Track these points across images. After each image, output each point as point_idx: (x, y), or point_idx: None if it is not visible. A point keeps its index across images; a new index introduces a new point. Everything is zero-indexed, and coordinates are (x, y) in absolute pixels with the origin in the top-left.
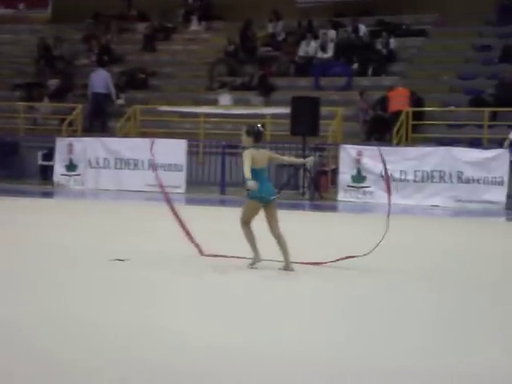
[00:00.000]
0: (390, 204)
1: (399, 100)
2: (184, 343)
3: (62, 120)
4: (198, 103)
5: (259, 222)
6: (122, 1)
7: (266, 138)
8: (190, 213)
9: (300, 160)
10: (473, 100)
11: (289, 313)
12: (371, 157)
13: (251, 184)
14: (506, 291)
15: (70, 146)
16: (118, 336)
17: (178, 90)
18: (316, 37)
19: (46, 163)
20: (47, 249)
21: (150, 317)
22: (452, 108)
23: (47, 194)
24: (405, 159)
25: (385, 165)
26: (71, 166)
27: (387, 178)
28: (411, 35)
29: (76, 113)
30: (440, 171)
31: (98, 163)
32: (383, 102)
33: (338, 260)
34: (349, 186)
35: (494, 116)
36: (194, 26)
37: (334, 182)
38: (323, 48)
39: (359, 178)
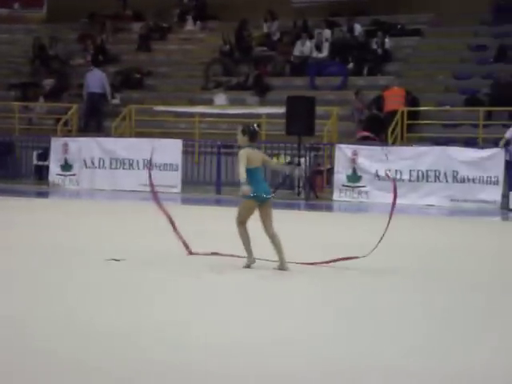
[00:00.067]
0: (393, 207)
1: (394, 100)
2: (182, 343)
3: (58, 120)
4: (193, 103)
5: (253, 222)
6: (117, 1)
7: (262, 137)
8: (185, 212)
9: (285, 168)
10: (468, 100)
11: (285, 312)
12: (366, 156)
13: (245, 189)
14: (500, 290)
15: (65, 145)
16: (115, 336)
17: (173, 89)
18: (311, 36)
19: (41, 163)
20: (43, 249)
21: (148, 316)
22: (447, 108)
23: (42, 194)
24: (400, 159)
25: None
26: (66, 166)
27: (394, 184)
28: (406, 35)
29: (71, 113)
30: (435, 171)
31: (93, 163)
32: (378, 102)
33: (335, 261)
34: (344, 185)
35: (489, 115)
36: (190, 25)
37: (330, 182)
38: (318, 48)
39: (354, 177)
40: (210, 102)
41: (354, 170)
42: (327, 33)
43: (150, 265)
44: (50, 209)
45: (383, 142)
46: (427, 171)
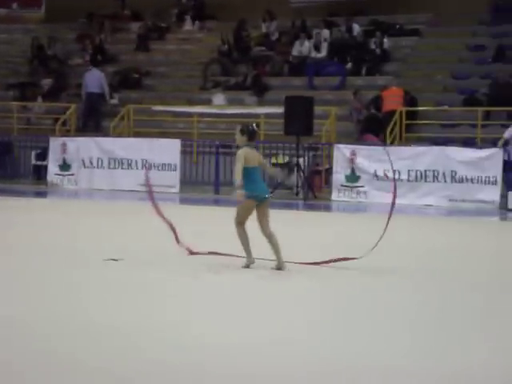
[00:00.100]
0: (392, 208)
1: (393, 99)
2: (182, 343)
3: (56, 120)
4: (191, 103)
5: (251, 222)
6: (116, 0)
7: (260, 137)
8: (183, 213)
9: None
10: (466, 99)
11: (283, 312)
12: (365, 156)
13: (238, 193)
14: (499, 290)
15: (64, 145)
16: (115, 336)
17: (171, 89)
18: (310, 36)
19: (39, 163)
20: (42, 249)
21: (147, 316)
22: (446, 107)
23: (41, 194)
24: (398, 159)
25: (392, 167)
26: (65, 166)
27: (394, 184)
28: (405, 35)
29: (70, 112)
30: (434, 171)
31: (91, 163)
32: (377, 102)
33: (334, 261)
34: (343, 185)
35: (487, 115)
36: (188, 25)
37: (328, 182)
38: (317, 48)
39: (353, 177)
40: (208, 102)
41: (353, 170)
42: (326, 33)
43: (150, 265)
44: (49, 209)
45: (381, 142)
46: (425, 171)
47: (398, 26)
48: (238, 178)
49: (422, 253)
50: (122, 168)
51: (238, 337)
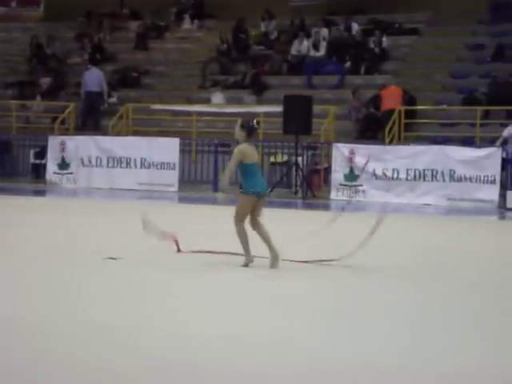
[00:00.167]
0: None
1: (392, 98)
2: (181, 342)
3: (55, 118)
4: (190, 102)
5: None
6: None
7: (259, 136)
8: (182, 211)
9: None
10: (465, 99)
11: (283, 312)
12: (364, 155)
13: (220, 196)
14: (497, 290)
15: (63, 144)
16: (115, 335)
17: (170, 88)
18: (308, 35)
19: (38, 161)
20: (41, 248)
21: (147, 316)
22: (444, 107)
23: (39, 193)
24: (397, 158)
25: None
26: (63, 165)
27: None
28: (404, 34)
29: (68, 111)
30: (432, 170)
31: (90, 162)
32: (376, 101)
33: (317, 261)
34: (341, 184)
35: (486, 114)
36: (187, 24)
37: (327, 181)
38: (316, 47)
39: (352, 176)
40: (207, 101)
41: (351, 169)
42: (324, 32)
43: (149, 264)
44: (48, 207)
45: (380, 141)
46: (424, 170)
47: (396, 25)
48: (226, 176)
49: (421, 252)
50: (120, 167)
51: (238, 336)
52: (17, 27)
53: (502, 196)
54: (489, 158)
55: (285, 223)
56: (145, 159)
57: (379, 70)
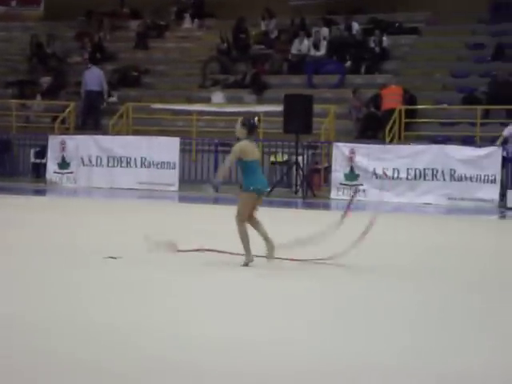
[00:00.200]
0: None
1: (392, 98)
2: (181, 341)
3: (55, 118)
4: (190, 101)
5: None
6: None
7: (259, 135)
8: (182, 211)
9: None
10: (465, 98)
11: (283, 311)
12: (364, 155)
13: (207, 188)
14: (498, 289)
15: (63, 143)
16: (115, 335)
17: (170, 87)
18: (309, 35)
19: (38, 161)
20: (40, 248)
21: (147, 316)
22: (445, 106)
23: (40, 192)
24: (398, 157)
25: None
26: (64, 164)
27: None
28: (404, 33)
29: (68, 110)
30: (433, 169)
31: (90, 161)
32: (376, 100)
33: (310, 260)
34: (341, 183)
35: (486, 114)
36: (187, 23)
37: (327, 180)
38: (316, 46)
39: (352, 175)
40: (207, 100)
41: (352, 169)
42: (325, 31)
43: (149, 263)
44: (48, 207)
45: (380, 140)
46: (425, 169)
47: (397, 25)
48: (223, 169)
49: (421, 251)
50: (121, 166)
51: (238, 336)
52: (17, 26)
53: (503, 195)
54: (489, 158)
55: (285, 223)
56: (145, 158)
57: (379, 70)
